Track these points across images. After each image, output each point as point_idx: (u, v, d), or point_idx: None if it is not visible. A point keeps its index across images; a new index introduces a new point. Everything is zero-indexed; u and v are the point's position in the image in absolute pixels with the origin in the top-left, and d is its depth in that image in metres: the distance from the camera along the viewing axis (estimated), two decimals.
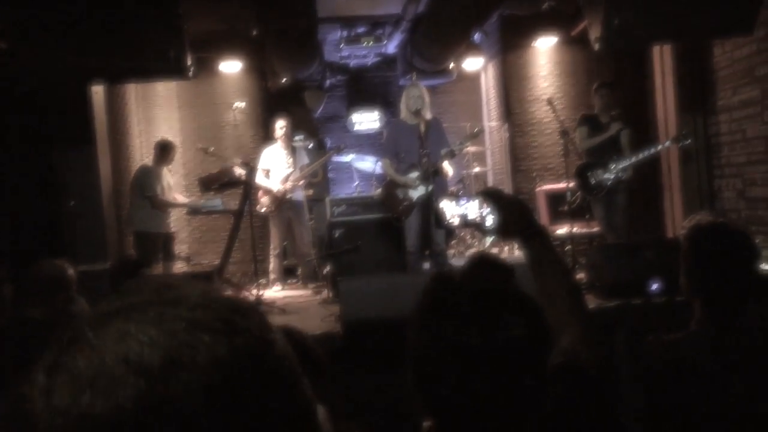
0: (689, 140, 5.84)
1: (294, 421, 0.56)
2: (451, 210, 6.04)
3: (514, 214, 1.56)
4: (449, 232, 6.30)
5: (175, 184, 6.95)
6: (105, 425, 0.49)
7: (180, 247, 7.48)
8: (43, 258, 3.19)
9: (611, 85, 6.07)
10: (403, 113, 5.68)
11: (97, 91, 5.96)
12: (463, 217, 1.80)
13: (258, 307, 0.61)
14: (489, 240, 7.43)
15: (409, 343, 1.11)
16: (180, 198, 6.88)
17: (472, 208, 1.74)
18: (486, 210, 1.62)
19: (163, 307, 0.54)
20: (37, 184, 5.59)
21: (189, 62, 4.77)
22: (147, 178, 6.31)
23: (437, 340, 1.06)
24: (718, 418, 1.79)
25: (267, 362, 0.55)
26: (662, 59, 6.85)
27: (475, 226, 1.78)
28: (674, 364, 1.88)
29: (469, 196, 6.19)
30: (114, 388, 0.49)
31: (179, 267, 7.13)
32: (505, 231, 1.58)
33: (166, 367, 0.50)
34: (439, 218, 5.49)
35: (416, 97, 5.56)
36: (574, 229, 6.15)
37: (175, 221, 7.39)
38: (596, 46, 4.85)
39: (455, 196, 6.65)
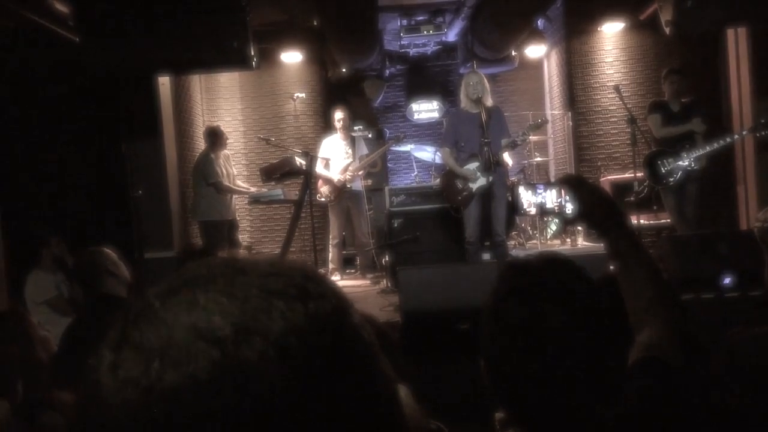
0: (767, 130, 5.55)
1: (373, 393, 0.53)
2: (528, 198, 5.95)
3: (596, 203, 1.50)
4: (510, 222, 6.19)
5: (237, 174, 7.07)
6: (177, 396, 0.47)
7: (241, 236, 7.63)
8: (86, 247, 3.31)
9: (681, 71, 5.81)
10: (463, 102, 5.60)
11: (164, 83, 6.12)
12: (541, 206, 1.76)
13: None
14: (552, 231, 7.28)
15: (482, 332, 1.08)
16: (242, 185, 7.00)
17: (550, 197, 1.70)
18: (564, 198, 1.57)
19: (233, 275, 0.52)
20: (105, 174, 5.78)
21: (252, 53, 4.83)
22: (207, 166, 6.43)
23: (513, 328, 1.03)
24: None
25: (344, 330, 0.53)
26: (737, 43, 6.54)
27: (554, 215, 1.74)
28: (761, 358, 1.81)
29: (547, 185, 6.06)
30: (185, 357, 0.47)
31: (242, 255, 7.27)
32: (587, 219, 1.52)
33: (238, 335, 0.48)
34: (511, 208, 5.41)
35: (476, 84, 5.46)
36: (641, 221, 5.95)
37: (237, 210, 7.53)
38: (668, 30, 4.67)
39: (532, 185, 6.54)
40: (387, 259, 6.09)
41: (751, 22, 5.83)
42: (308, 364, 0.49)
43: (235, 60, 4.68)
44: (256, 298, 0.50)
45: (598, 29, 7.44)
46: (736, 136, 5.65)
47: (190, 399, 0.47)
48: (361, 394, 0.52)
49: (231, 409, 0.47)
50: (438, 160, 7.33)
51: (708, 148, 5.46)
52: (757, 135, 5.59)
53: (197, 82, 7.58)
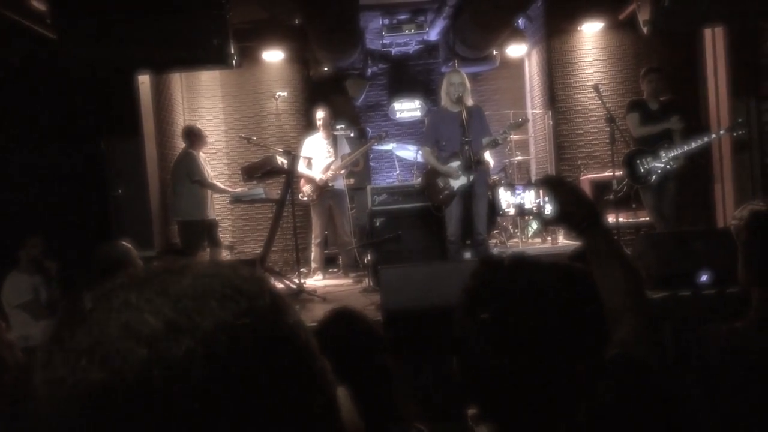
0: (744, 130, 5.63)
1: (307, 394, 0.54)
2: (508, 199, 5.97)
3: (573, 203, 1.52)
4: (491, 221, 6.23)
5: (218, 174, 7.04)
6: (103, 394, 0.47)
7: (222, 236, 7.59)
8: (105, 241, 3.27)
9: (660, 70, 5.87)
10: (444, 101, 5.61)
11: (144, 81, 6.07)
12: (520, 207, 1.78)
13: (270, 280, 0.59)
14: (532, 230, 7.33)
15: (455, 329, 1.09)
16: (222, 186, 6.97)
17: (529, 197, 1.72)
18: (543, 199, 1.59)
19: (169, 275, 0.53)
20: (84, 173, 5.72)
21: (232, 51, 4.81)
22: (191, 163, 6.38)
23: (486, 326, 1.04)
24: None
25: (278, 330, 0.53)
26: (714, 42, 6.62)
27: (532, 215, 1.76)
28: (739, 352, 1.84)
29: (526, 185, 6.09)
30: (113, 356, 0.47)
31: (223, 255, 7.24)
32: (564, 220, 1.54)
33: (168, 333, 0.48)
34: (492, 207, 5.43)
35: (457, 84, 5.48)
36: (620, 219, 6.01)
37: (218, 210, 7.49)
38: (645, 29, 4.72)
39: (511, 186, 6.57)
40: (369, 258, 6.09)
41: (727, 22, 5.91)
42: (238, 363, 0.49)
43: (215, 58, 4.66)
44: (189, 297, 0.51)
45: (578, 29, 7.50)
46: (713, 136, 5.73)
47: (115, 397, 0.47)
48: (294, 395, 0.52)
49: (157, 406, 0.47)
50: (420, 158, 7.35)
51: (686, 148, 5.53)
52: (734, 134, 5.68)
53: (178, 80, 7.52)
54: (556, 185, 1.56)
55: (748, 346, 1.83)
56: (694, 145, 5.53)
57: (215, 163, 7.67)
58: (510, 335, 1.02)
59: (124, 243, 3.10)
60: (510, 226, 7.43)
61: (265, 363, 0.51)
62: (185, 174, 6.37)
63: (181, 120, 7.60)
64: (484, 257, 1.15)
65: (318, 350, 0.57)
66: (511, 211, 5.94)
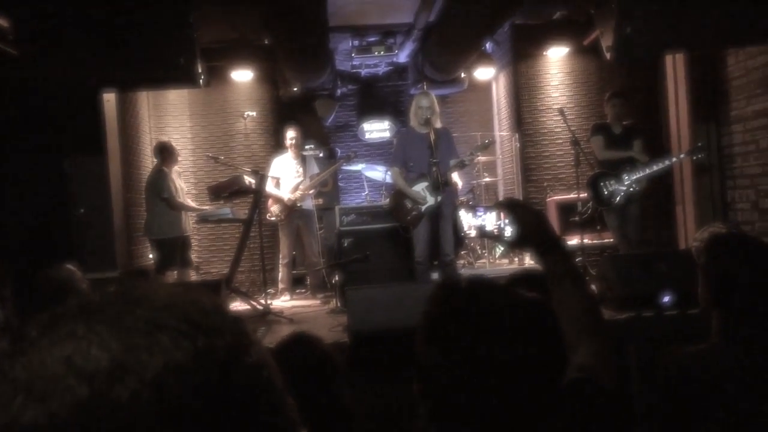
0: (704, 153, 5.78)
1: None
2: (468, 221, 6.00)
3: (533, 225, 1.53)
4: (459, 242, 6.26)
5: (185, 191, 6.95)
6: None
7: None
8: (51, 263, 3.15)
9: (623, 95, 6.02)
10: (413, 122, 5.65)
11: (109, 99, 5.99)
12: (481, 228, 1.79)
13: (236, 313, 0.56)
14: (499, 251, 7.38)
15: (416, 351, 1.09)
16: (192, 203, 6.89)
17: (490, 220, 1.74)
18: (504, 222, 1.60)
19: (123, 306, 0.49)
20: (47, 192, 5.60)
21: (199, 70, 4.78)
22: (160, 181, 6.31)
23: (446, 350, 1.04)
24: None
25: (236, 370, 0.49)
26: (675, 68, 6.80)
27: (493, 238, 1.77)
28: (699, 376, 1.86)
29: (487, 208, 6.14)
30: (51, 393, 0.43)
31: (189, 275, 7.13)
32: (522, 242, 1.56)
33: (112, 372, 0.44)
34: (456, 229, 5.46)
35: (426, 106, 5.53)
36: (585, 240, 6.09)
37: (190, 228, 7.39)
38: (608, 56, 4.82)
39: (472, 208, 6.61)
40: (337, 278, 6.06)
41: (688, 49, 6.07)
42: (189, 410, 0.45)
43: (182, 77, 4.61)
44: (140, 332, 0.47)
45: (544, 53, 7.63)
46: (674, 159, 5.86)
47: None
48: None
49: None
50: (389, 179, 7.37)
51: (648, 171, 5.64)
52: (694, 158, 5.82)
53: (145, 98, 7.45)
54: (515, 208, 1.57)
55: (709, 368, 1.86)
56: (655, 168, 5.65)
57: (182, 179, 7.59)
58: (468, 360, 1.02)
59: (68, 266, 2.96)
60: (477, 247, 7.47)
61: (222, 410, 0.47)
62: (156, 192, 6.29)
63: (147, 138, 7.51)
64: (440, 281, 1.16)
65: (284, 390, 0.53)
66: (472, 233, 5.98)
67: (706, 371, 1.86)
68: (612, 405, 1.26)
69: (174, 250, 6.35)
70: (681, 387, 1.90)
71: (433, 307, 1.10)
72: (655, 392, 1.96)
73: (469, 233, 5.99)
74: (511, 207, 1.58)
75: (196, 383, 0.46)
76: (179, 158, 6.77)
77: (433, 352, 1.07)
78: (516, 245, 1.58)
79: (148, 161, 7.33)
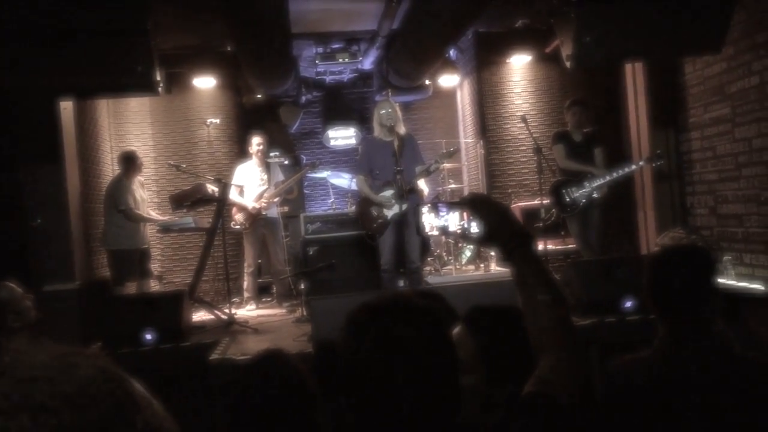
0: (662, 160, 5.90)
1: None
2: (431, 221, 5.98)
3: (498, 221, 1.44)
4: (425, 249, 6.25)
5: (147, 201, 6.83)
6: None
7: (152, 265, 7.35)
8: None
9: (583, 103, 6.10)
10: (377, 130, 5.64)
11: (66, 107, 5.85)
12: (443, 229, 1.73)
13: (122, 376, 0.51)
14: (466, 257, 7.40)
15: (339, 348, 1.13)
16: (153, 214, 6.77)
17: (453, 219, 1.67)
18: (467, 221, 1.53)
19: None
20: (1, 202, 5.45)
21: (158, 78, 4.71)
22: (118, 192, 6.19)
23: (358, 368, 1.09)
24: None
25: None
26: (634, 76, 6.92)
27: (457, 236, 1.74)
28: (637, 382, 1.88)
29: (450, 206, 6.14)
30: None
31: (151, 286, 7.00)
32: (488, 240, 1.46)
33: None
34: (418, 229, 5.44)
35: (389, 113, 5.53)
36: (549, 246, 6.15)
37: (147, 240, 7.25)
38: (568, 64, 4.88)
39: (434, 207, 6.59)
40: (303, 286, 6.01)
41: (645, 58, 6.19)
42: None
43: (140, 84, 4.53)
44: (2, 409, 0.43)
45: (507, 61, 7.71)
46: (634, 167, 5.96)
47: None
48: None
49: None
50: (354, 186, 7.35)
51: (609, 178, 5.73)
52: (653, 165, 5.93)
53: (104, 105, 7.30)
54: (478, 204, 1.48)
55: (647, 376, 1.87)
56: (616, 175, 5.74)
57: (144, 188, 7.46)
58: (377, 380, 1.06)
59: (8, 284, 2.86)
60: (444, 254, 7.48)
61: None
62: (113, 203, 6.16)
63: (107, 146, 7.36)
64: (363, 301, 1.17)
65: None
66: (435, 233, 5.96)
67: (645, 378, 1.86)
68: (567, 423, 1.24)
69: (131, 261, 6.23)
70: (620, 394, 1.92)
71: (347, 326, 1.14)
72: (603, 399, 1.97)
73: (432, 233, 5.96)
74: (473, 203, 1.49)
75: None
76: (142, 168, 6.65)
77: (349, 342, 1.11)
78: (482, 243, 1.48)
79: (108, 170, 7.18)
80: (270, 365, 1.76)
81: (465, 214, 1.55)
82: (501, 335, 1.60)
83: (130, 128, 7.74)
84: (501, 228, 1.44)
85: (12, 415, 0.42)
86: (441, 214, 1.76)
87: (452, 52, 8.27)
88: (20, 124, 5.45)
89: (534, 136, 6.24)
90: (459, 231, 1.62)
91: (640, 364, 1.91)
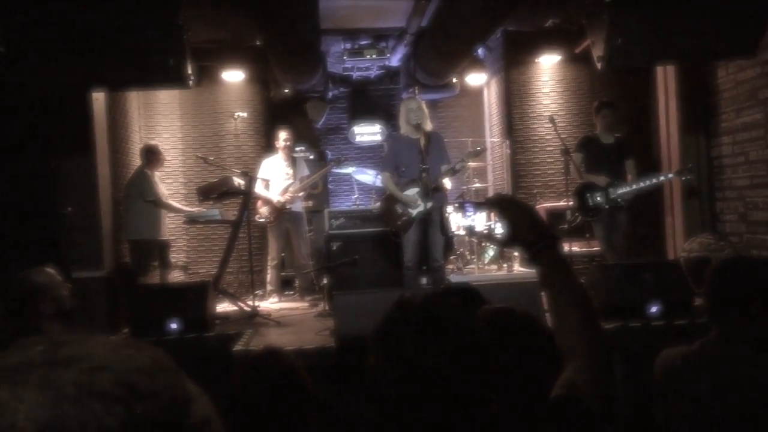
0: (693, 174, 5.79)
1: None
2: (457, 221, 5.97)
3: (523, 222, 1.42)
4: (448, 247, 6.25)
5: (174, 193, 6.92)
6: None
7: (177, 256, 7.45)
8: (31, 265, 3.04)
9: (613, 105, 6.02)
10: (403, 128, 5.64)
11: (98, 98, 5.94)
12: (470, 228, 1.71)
13: (175, 367, 0.52)
14: (489, 257, 7.38)
15: (367, 361, 1.10)
16: (179, 205, 6.86)
17: (479, 219, 1.65)
18: (494, 221, 1.52)
19: (51, 368, 0.45)
20: (34, 191, 5.55)
21: (189, 71, 4.75)
22: (145, 183, 6.29)
23: (389, 354, 1.05)
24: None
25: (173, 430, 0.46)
26: (666, 80, 6.83)
27: (483, 237, 1.71)
28: (684, 373, 1.98)
29: (476, 206, 6.06)
30: None
31: (176, 276, 7.09)
32: (513, 241, 1.44)
33: None
34: (444, 228, 5.44)
35: (415, 110, 5.52)
36: (574, 248, 6.10)
37: (173, 230, 7.35)
38: (599, 65, 4.84)
39: (461, 207, 6.55)
40: (326, 281, 6.04)
41: (678, 61, 6.10)
42: None
43: (172, 78, 4.58)
44: (70, 399, 0.44)
45: (536, 60, 7.65)
46: (662, 178, 5.86)
47: None
48: None
49: None
50: (379, 183, 7.37)
51: (635, 187, 5.64)
52: (682, 179, 5.83)
53: (135, 97, 7.40)
54: (504, 204, 1.46)
55: (699, 370, 1.95)
56: (643, 185, 5.65)
57: (171, 182, 7.55)
58: (414, 374, 1.04)
59: (48, 270, 2.86)
60: (467, 253, 7.47)
61: None
62: (138, 193, 6.25)
63: (137, 138, 7.47)
64: (401, 294, 1.15)
65: None
66: (461, 233, 5.93)
67: (695, 371, 1.96)
68: (593, 426, 1.24)
69: (151, 252, 6.33)
70: (664, 383, 2.01)
71: (381, 321, 1.11)
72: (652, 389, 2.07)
73: (459, 233, 5.93)
74: (499, 203, 1.47)
75: None
76: (164, 161, 6.74)
77: (378, 357, 1.07)
78: (507, 244, 1.46)
79: (137, 161, 7.27)
80: (267, 363, 1.77)
81: (492, 215, 1.54)
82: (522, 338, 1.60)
83: (159, 120, 7.84)
84: (526, 229, 1.43)
85: (84, 404, 0.43)
86: (468, 213, 1.74)
87: (480, 51, 8.23)
88: (53, 114, 5.54)
89: (562, 137, 6.19)
90: (485, 231, 1.60)
91: (688, 357, 1.99)
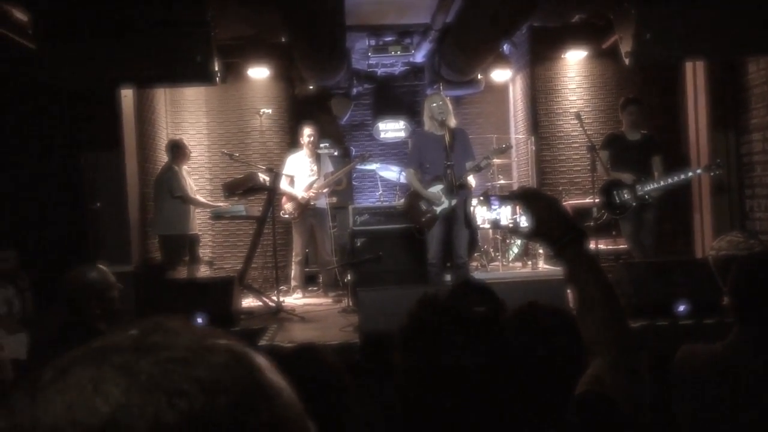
0: (722, 170, 5.68)
1: None
2: (483, 214, 5.95)
3: (548, 216, 1.40)
4: (472, 244, 6.23)
5: (200, 189, 7.00)
6: None
7: (203, 252, 7.52)
8: (80, 262, 3.02)
9: (639, 102, 5.92)
10: (428, 124, 5.62)
11: (127, 95, 6.03)
12: (495, 222, 1.70)
13: (265, 353, 0.53)
14: (513, 254, 7.34)
15: (393, 357, 1.10)
16: (204, 200, 6.94)
17: (505, 213, 1.64)
18: (519, 215, 1.51)
19: (134, 354, 0.46)
20: (62, 185, 5.66)
21: (216, 68, 4.80)
22: (172, 179, 6.36)
23: (419, 358, 1.05)
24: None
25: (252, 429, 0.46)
26: (695, 75, 6.72)
27: (508, 230, 1.69)
28: (704, 372, 1.93)
29: (502, 199, 6.01)
30: None
31: (202, 271, 7.17)
32: (538, 235, 1.42)
33: (103, 428, 0.42)
34: (468, 222, 5.43)
35: (440, 106, 5.50)
36: (600, 246, 6.04)
37: (199, 225, 7.43)
38: (627, 61, 4.78)
39: (486, 200, 6.50)
40: (349, 277, 6.06)
41: (707, 57, 6.00)
42: None
43: (199, 75, 4.64)
44: (141, 387, 0.45)
45: (562, 56, 7.58)
46: (690, 174, 5.76)
47: None
48: None
49: None
50: (403, 180, 7.36)
51: (663, 183, 5.55)
52: (711, 174, 5.73)
53: (162, 94, 7.49)
54: (529, 197, 1.44)
55: (720, 369, 1.90)
56: (671, 181, 5.56)
57: (197, 178, 7.62)
58: (439, 370, 1.03)
59: (102, 267, 2.86)
60: (491, 250, 7.44)
61: None
62: (167, 189, 6.33)
63: (164, 134, 7.56)
64: (422, 294, 1.14)
65: None
66: (487, 226, 5.90)
67: (715, 370, 1.91)
68: (621, 422, 1.23)
69: (181, 247, 6.40)
70: (686, 381, 1.96)
71: (407, 319, 1.11)
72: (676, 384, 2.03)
73: (483, 226, 5.90)
74: (525, 197, 1.45)
75: None
76: (191, 156, 6.81)
77: (404, 355, 1.07)
78: (531, 238, 1.44)
79: (164, 157, 7.36)
80: (305, 360, 1.74)
81: (517, 208, 1.53)
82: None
83: (185, 116, 7.92)
84: (552, 222, 1.40)
85: (150, 393, 0.44)
86: (493, 207, 1.73)
87: (505, 47, 8.18)
88: (82, 111, 5.64)
89: (588, 133, 6.13)
90: (510, 224, 1.60)
91: (710, 356, 1.94)
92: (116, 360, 0.46)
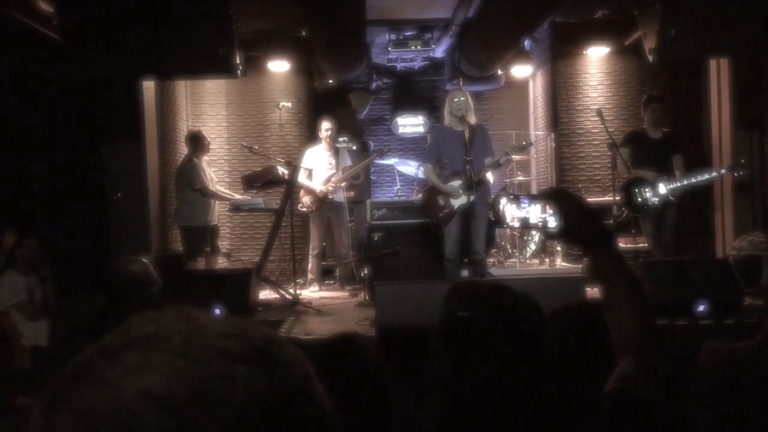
0: (746, 170, 5.60)
1: None
2: (512, 212, 5.93)
3: (579, 219, 1.41)
4: (489, 240, 6.21)
5: (219, 180, 7.04)
6: None
7: (221, 243, 7.57)
8: (128, 255, 3.02)
9: (662, 99, 5.84)
10: (447, 119, 5.61)
11: (148, 87, 6.08)
12: (524, 220, 1.70)
13: (293, 341, 0.54)
14: (531, 251, 7.31)
15: (430, 351, 1.10)
16: (225, 192, 6.97)
17: (534, 211, 1.65)
18: (548, 214, 1.51)
19: (189, 334, 0.47)
20: (83, 176, 5.72)
21: (238, 61, 4.82)
22: (192, 171, 6.40)
23: (457, 350, 1.05)
24: None
25: (306, 400, 0.48)
26: (719, 73, 6.63)
27: (537, 230, 1.70)
28: (731, 371, 1.91)
29: (531, 198, 6.00)
30: (135, 426, 0.42)
31: (220, 263, 7.22)
32: (570, 235, 1.43)
33: (197, 402, 0.43)
34: (499, 219, 5.42)
35: (460, 101, 5.49)
36: (619, 244, 5.99)
37: (217, 217, 7.48)
38: (650, 58, 4.73)
39: (516, 198, 6.48)
40: (366, 271, 6.07)
41: (732, 54, 5.92)
42: None
43: (221, 67, 4.67)
44: (216, 361, 0.46)
45: (584, 53, 7.52)
46: (714, 174, 5.67)
47: None
48: None
49: None
50: (421, 175, 7.35)
51: (685, 182, 5.48)
52: (734, 175, 5.65)
53: (182, 86, 7.54)
54: (562, 198, 1.45)
55: (748, 368, 1.88)
56: (694, 180, 5.48)
57: (216, 170, 7.66)
58: (478, 362, 1.03)
59: (146, 262, 2.87)
60: (508, 246, 7.42)
61: None
62: (187, 182, 6.37)
63: (184, 126, 7.61)
64: (457, 282, 1.14)
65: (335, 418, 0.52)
66: (516, 224, 5.89)
67: (742, 369, 1.90)
68: (650, 420, 1.22)
69: (202, 237, 6.44)
70: (724, 379, 1.93)
71: (447, 308, 1.11)
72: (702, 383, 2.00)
73: (513, 224, 5.89)
74: (557, 198, 1.46)
75: (276, 413, 0.46)
76: (210, 147, 6.84)
77: (443, 353, 1.07)
78: (559, 238, 1.46)
79: (184, 149, 7.41)
80: (345, 348, 1.70)
81: (547, 207, 1.53)
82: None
83: (205, 109, 7.97)
84: (581, 222, 1.41)
85: (231, 365, 0.46)
86: (522, 205, 1.74)
87: (526, 42, 8.12)
88: (104, 102, 5.69)
89: (609, 130, 6.07)
90: (540, 224, 1.60)
91: (737, 355, 1.92)
92: (175, 341, 0.47)
